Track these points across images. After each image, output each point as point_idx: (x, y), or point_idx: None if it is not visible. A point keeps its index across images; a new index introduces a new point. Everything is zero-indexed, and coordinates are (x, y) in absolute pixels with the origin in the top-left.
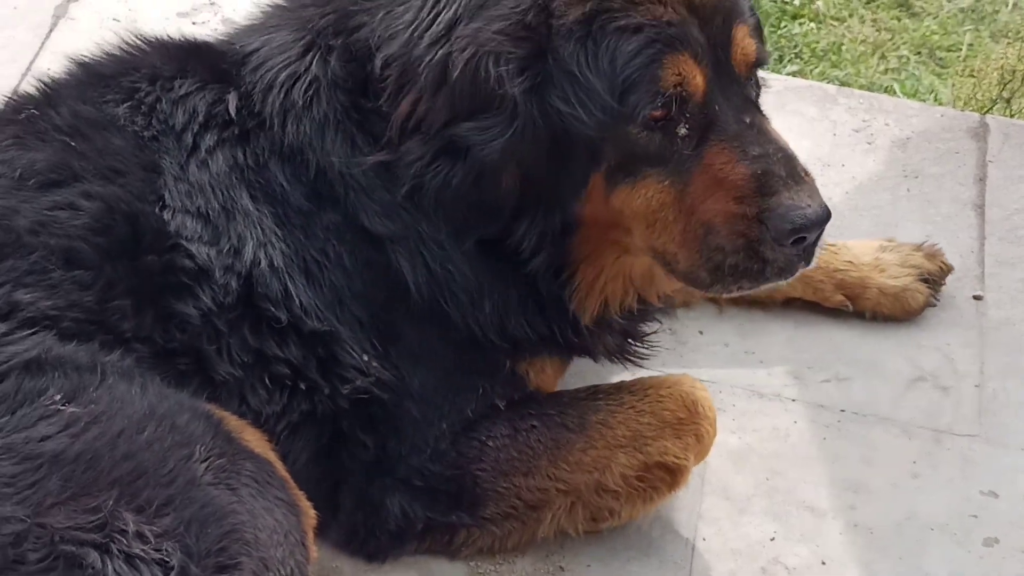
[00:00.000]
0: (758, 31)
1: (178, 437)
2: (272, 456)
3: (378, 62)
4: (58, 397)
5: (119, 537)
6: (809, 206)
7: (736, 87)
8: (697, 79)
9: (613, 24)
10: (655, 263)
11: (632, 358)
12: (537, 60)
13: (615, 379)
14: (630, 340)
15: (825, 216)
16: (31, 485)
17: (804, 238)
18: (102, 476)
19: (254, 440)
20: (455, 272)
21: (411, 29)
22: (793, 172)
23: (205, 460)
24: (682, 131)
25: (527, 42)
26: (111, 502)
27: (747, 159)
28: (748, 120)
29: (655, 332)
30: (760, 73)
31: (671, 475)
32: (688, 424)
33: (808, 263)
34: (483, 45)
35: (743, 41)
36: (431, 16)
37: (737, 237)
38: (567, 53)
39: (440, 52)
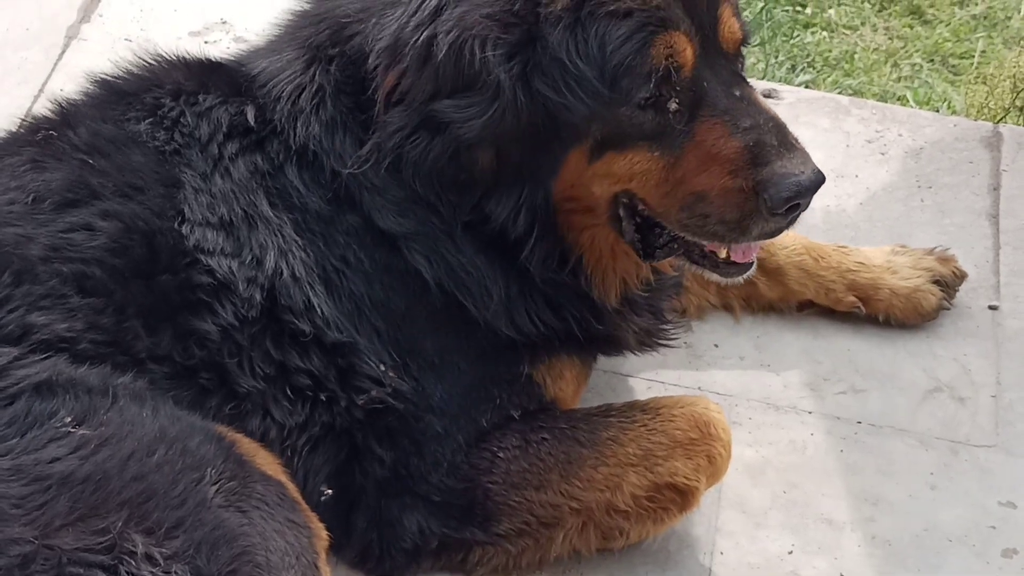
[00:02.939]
0: (738, 8)
1: (189, 459)
2: (284, 478)
3: (371, 58)
4: (68, 419)
5: (127, 559)
6: (803, 172)
7: (724, 62)
8: (687, 52)
9: (602, 10)
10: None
11: (663, 340)
12: (526, 46)
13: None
14: (659, 320)
15: (820, 180)
16: (40, 507)
17: (799, 205)
18: (111, 498)
19: (266, 462)
20: (467, 263)
21: (399, 21)
22: (785, 140)
23: (216, 483)
24: (673, 106)
25: (516, 28)
26: (120, 524)
27: (739, 132)
28: (737, 93)
29: (677, 313)
30: (773, 84)
31: (682, 497)
32: (700, 445)
33: (793, 224)
34: (469, 28)
35: (729, 20)
36: (417, 5)
37: (731, 209)
38: (556, 40)
39: (425, 33)
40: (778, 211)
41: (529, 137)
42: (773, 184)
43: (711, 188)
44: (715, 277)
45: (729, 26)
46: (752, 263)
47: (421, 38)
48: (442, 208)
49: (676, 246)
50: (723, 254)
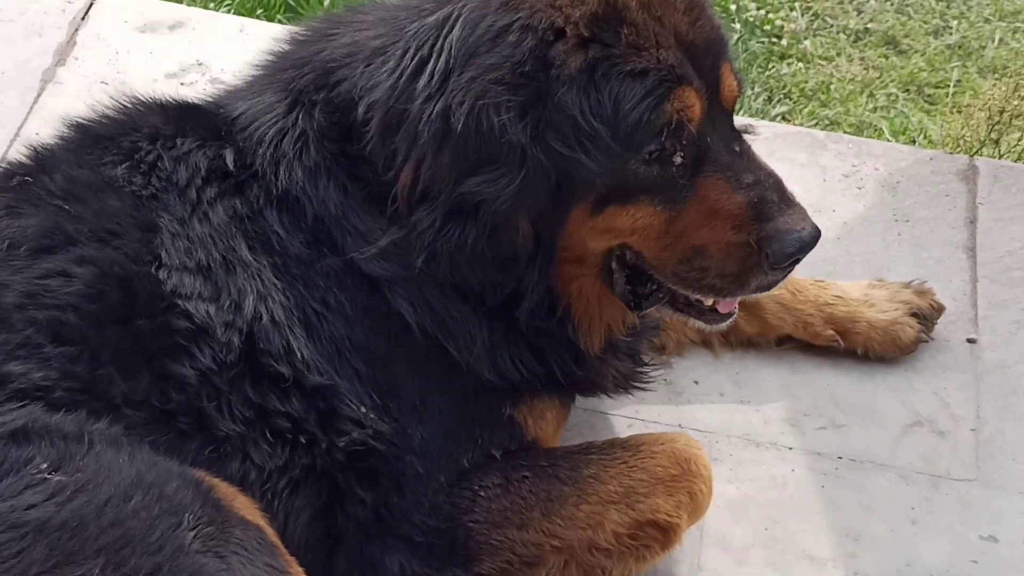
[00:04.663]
0: (734, 65)
1: (166, 505)
2: (263, 522)
3: (361, 109)
4: (44, 466)
5: None
6: (804, 228)
7: (724, 119)
8: (696, 107)
9: (617, 70)
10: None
11: (641, 384)
12: (536, 105)
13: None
14: (636, 364)
15: (817, 236)
16: (16, 554)
17: (799, 259)
18: (88, 544)
19: (244, 507)
20: (451, 308)
21: (395, 75)
22: (784, 196)
23: (194, 528)
24: (678, 160)
25: (525, 89)
26: (97, 570)
27: (741, 188)
28: (737, 149)
29: (655, 357)
30: (749, 120)
31: (663, 534)
32: (681, 481)
33: (787, 276)
34: (481, 96)
35: (729, 78)
36: (415, 63)
37: (732, 264)
38: (569, 100)
39: (438, 106)
40: (780, 266)
41: (554, 196)
42: (777, 240)
43: (713, 243)
44: (699, 324)
45: (729, 84)
46: (735, 312)
47: (434, 112)
48: (487, 296)
49: (662, 295)
50: (709, 302)
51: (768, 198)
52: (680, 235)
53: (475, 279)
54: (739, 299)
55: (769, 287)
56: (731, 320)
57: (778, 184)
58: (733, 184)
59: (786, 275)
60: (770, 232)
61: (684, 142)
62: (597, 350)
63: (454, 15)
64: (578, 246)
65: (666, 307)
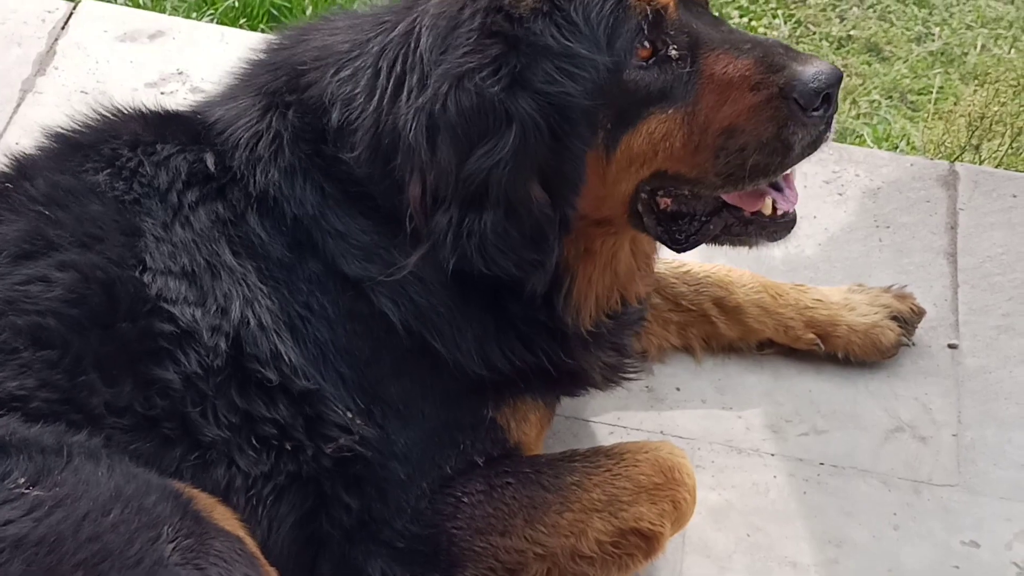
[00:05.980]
0: None
1: (145, 518)
2: (243, 532)
3: (334, 117)
4: (22, 480)
5: None
6: (820, 66)
7: (702, 10)
8: None
9: None
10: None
11: (628, 376)
12: (509, 53)
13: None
14: (623, 356)
15: (840, 73)
16: None
17: (830, 96)
18: (66, 559)
19: (224, 517)
20: (437, 303)
21: (375, 98)
22: (790, 50)
23: (173, 541)
24: (673, 53)
25: (493, 45)
26: None
27: (744, 52)
28: (725, 29)
29: (639, 354)
30: None
31: (646, 542)
32: (664, 490)
33: (830, 130)
34: (458, 76)
35: None
36: (394, 83)
37: (765, 126)
38: (538, 31)
39: (422, 106)
40: (812, 107)
41: (554, 149)
42: (799, 80)
43: (739, 114)
44: (764, 242)
45: None
46: (795, 214)
47: (419, 112)
48: (532, 279)
49: (712, 227)
50: (768, 209)
51: (774, 51)
52: (704, 127)
53: (511, 264)
54: (789, 184)
55: (815, 144)
56: (793, 230)
57: (781, 43)
58: (735, 52)
59: (826, 123)
60: (789, 77)
61: (671, 32)
62: (588, 325)
63: (416, 24)
64: (604, 200)
65: (724, 237)
